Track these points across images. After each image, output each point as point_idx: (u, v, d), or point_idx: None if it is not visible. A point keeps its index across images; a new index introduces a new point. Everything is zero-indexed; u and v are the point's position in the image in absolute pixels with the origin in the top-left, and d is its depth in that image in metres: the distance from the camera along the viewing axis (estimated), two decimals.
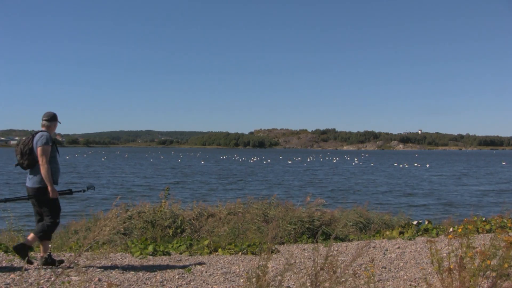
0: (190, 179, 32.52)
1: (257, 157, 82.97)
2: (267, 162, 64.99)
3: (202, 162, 62.57)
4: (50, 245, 5.16)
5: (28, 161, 4.97)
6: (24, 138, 5.15)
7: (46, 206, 4.99)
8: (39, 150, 4.91)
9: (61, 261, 5.13)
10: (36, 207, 5.10)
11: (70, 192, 5.41)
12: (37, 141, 4.96)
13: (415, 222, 7.99)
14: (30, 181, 5.01)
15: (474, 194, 23.76)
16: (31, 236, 5.00)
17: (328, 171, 43.23)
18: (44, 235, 5.00)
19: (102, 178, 32.93)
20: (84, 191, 5.54)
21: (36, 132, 5.08)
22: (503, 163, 66.93)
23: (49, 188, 4.90)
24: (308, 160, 75.45)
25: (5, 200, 5.54)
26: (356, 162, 67.79)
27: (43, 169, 4.88)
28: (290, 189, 24.78)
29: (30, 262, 5.04)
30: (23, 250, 4.92)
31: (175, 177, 34.58)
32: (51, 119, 5.19)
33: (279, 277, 3.21)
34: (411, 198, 21.02)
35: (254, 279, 3.09)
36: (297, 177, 35.20)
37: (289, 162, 66.07)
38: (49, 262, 4.99)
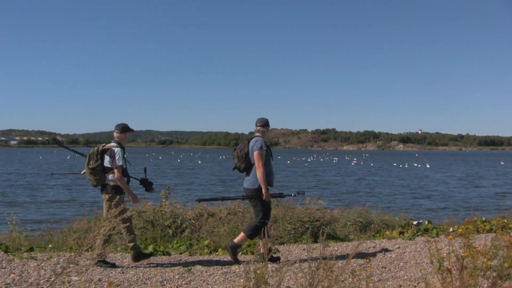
0: (190, 179, 32.50)
1: None
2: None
3: (199, 162, 62.50)
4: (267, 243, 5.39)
5: (245, 164, 5.36)
6: (240, 143, 5.56)
7: (259, 206, 5.33)
8: (255, 154, 5.27)
9: (278, 258, 5.41)
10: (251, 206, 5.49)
11: (281, 195, 5.79)
12: (252, 146, 5.35)
13: (415, 222, 7.98)
14: (246, 183, 5.39)
15: (477, 194, 23.74)
16: (241, 235, 5.37)
17: (330, 171, 43.21)
18: (253, 234, 5.33)
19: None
20: (294, 195, 5.93)
21: (251, 138, 5.49)
22: (502, 162, 66.85)
23: (263, 190, 5.24)
24: (309, 160, 75.44)
25: (222, 199, 6.37)
26: (355, 162, 67.73)
27: (258, 172, 5.22)
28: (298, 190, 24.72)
29: (237, 262, 5.35)
30: (234, 249, 5.29)
31: (177, 177, 34.57)
32: (266, 124, 5.62)
33: (278, 277, 3.21)
34: (415, 199, 20.97)
35: (253, 279, 3.09)
36: (302, 178, 35.19)
37: (288, 162, 66.03)
38: (270, 258, 5.24)
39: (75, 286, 3.90)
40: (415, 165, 57.19)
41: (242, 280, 4.42)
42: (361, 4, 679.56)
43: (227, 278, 4.62)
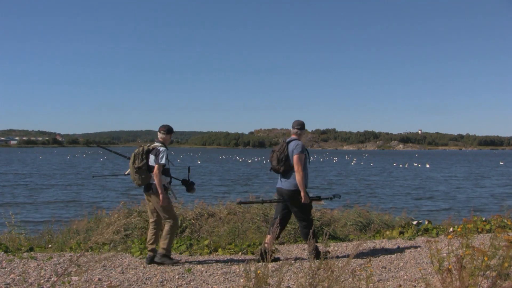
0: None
1: (258, 157, 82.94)
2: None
3: (199, 162, 62.48)
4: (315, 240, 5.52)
5: (284, 167, 5.40)
6: (277, 145, 5.63)
7: (298, 208, 5.41)
8: (295, 158, 5.32)
9: (278, 259, 5.48)
10: (284, 207, 5.56)
11: (319, 198, 5.86)
12: (293, 149, 5.39)
13: (415, 222, 7.99)
14: (284, 184, 5.44)
15: (479, 194, 23.74)
16: (309, 242, 5.43)
17: (331, 171, 43.22)
18: (312, 235, 5.35)
19: (102, 178, 32.89)
20: (331, 198, 5.95)
21: (290, 141, 5.52)
22: (501, 163, 66.80)
23: (302, 193, 5.30)
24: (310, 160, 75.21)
25: (262, 202, 6.39)
26: (355, 162, 67.69)
27: (298, 176, 5.29)
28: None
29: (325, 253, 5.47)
30: (318, 253, 5.23)
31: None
32: (302, 127, 5.63)
33: (278, 277, 3.21)
34: (416, 200, 20.95)
35: (253, 279, 3.09)
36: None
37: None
38: (316, 255, 5.24)
39: (75, 286, 3.90)
40: (415, 165, 57.19)
41: (242, 280, 4.42)
42: (361, 4, 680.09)
43: (227, 278, 4.62)
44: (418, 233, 7.32)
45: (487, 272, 3.15)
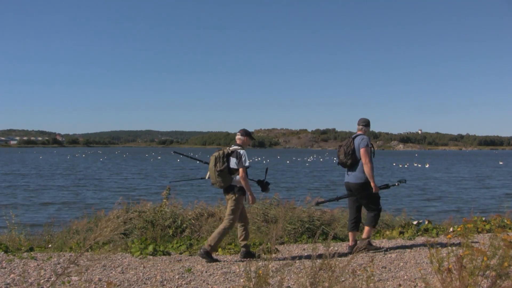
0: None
1: (258, 157, 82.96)
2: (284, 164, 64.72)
3: (197, 162, 62.35)
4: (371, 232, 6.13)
5: (351, 160, 5.80)
6: (344, 140, 6.05)
7: (367, 199, 5.84)
8: (362, 151, 5.74)
9: (373, 246, 5.98)
10: (354, 200, 5.96)
11: (387, 186, 6.25)
12: (359, 144, 5.80)
13: (415, 222, 7.99)
14: (352, 177, 5.87)
15: (480, 195, 23.73)
16: (367, 229, 5.90)
17: (333, 171, 43.19)
18: (375, 223, 5.95)
19: (102, 178, 32.92)
20: (397, 184, 6.45)
21: (356, 136, 5.94)
22: (500, 162, 66.77)
23: (372, 184, 5.71)
24: (309, 160, 75.42)
25: (337, 198, 6.64)
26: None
27: (366, 168, 5.69)
28: (309, 191, 24.68)
29: (377, 248, 5.97)
30: (369, 244, 5.89)
31: (177, 177, 34.56)
32: (367, 124, 6.08)
33: (279, 277, 3.21)
34: (417, 200, 20.92)
35: (254, 279, 3.09)
36: (305, 178, 35.17)
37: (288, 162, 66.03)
38: (367, 247, 5.80)
39: (75, 286, 3.90)
40: (415, 165, 57.20)
41: (242, 280, 4.42)
42: (361, 4, 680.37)
43: (227, 278, 4.62)
44: (418, 233, 7.33)
45: (487, 272, 3.15)
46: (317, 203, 6.78)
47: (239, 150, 5.52)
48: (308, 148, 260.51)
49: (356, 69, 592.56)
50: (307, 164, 58.36)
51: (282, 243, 6.73)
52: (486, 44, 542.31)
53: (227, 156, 5.51)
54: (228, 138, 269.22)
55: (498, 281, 3.09)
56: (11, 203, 17.20)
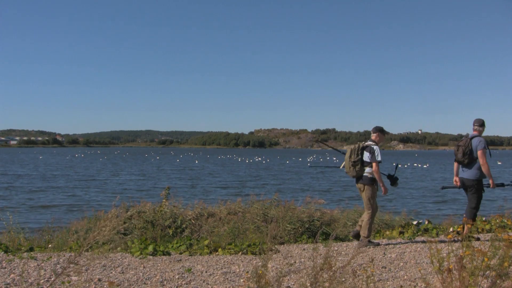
0: (194, 182, 32.49)
1: (259, 157, 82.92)
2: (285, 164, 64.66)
3: (196, 162, 62.39)
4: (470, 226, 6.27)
5: (469, 159, 6.30)
6: (462, 140, 6.51)
7: (474, 195, 6.36)
8: (479, 153, 6.23)
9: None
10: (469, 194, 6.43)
11: (502, 185, 6.74)
12: (477, 145, 6.28)
13: (415, 222, 7.99)
14: (466, 174, 6.39)
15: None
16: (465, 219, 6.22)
17: (336, 172, 43.17)
18: (473, 217, 6.36)
19: (101, 179, 32.92)
20: (510, 184, 6.91)
21: (473, 136, 6.39)
22: (499, 163, 66.70)
23: (490, 180, 6.33)
24: (309, 160, 75.39)
25: (443, 188, 7.26)
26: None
27: (484, 168, 6.20)
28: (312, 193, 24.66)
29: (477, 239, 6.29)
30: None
31: (177, 177, 34.56)
32: (482, 125, 6.47)
33: (279, 278, 3.21)
34: (418, 201, 20.91)
35: (254, 279, 3.09)
36: (301, 178, 35.14)
37: (287, 162, 66.02)
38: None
39: (75, 286, 3.90)
40: (415, 165, 57.19)
41: (242, 280, 4.42)
42: (361, 5, 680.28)
43: (227, 278, 4.62)
44: (418, 233, 7.32)
45: (487, 272, 3.15)
46: (443, 187, 7.26)
47: (372, 146, 6.06)
48: (308, 148, 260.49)
49: (356, 69, 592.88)
50: (308, 164, 58.37)
51: (282, 243, 6.73)
52: (486, 44, 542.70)
53: (362, 149, 6.07)
54: (228, 138, 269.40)
55: (498, 281, 3.09)
56: (11, 204, 17.21)
